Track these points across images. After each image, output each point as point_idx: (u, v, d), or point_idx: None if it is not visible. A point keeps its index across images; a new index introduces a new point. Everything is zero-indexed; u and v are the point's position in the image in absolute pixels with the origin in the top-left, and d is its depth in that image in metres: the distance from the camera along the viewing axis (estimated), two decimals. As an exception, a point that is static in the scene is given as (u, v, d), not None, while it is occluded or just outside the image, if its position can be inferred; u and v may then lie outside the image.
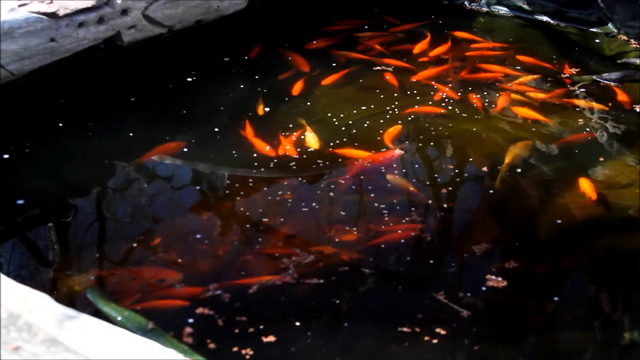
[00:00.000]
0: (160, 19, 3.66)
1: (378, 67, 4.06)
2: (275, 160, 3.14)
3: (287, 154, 3.18)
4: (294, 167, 3.11)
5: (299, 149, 3.22)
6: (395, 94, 3.77)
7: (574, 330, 2.45)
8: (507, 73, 4.07)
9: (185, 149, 3.22)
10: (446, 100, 3.73)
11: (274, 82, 3.84)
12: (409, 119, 3.54)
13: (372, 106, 3.65)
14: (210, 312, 2.30)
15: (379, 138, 3.35)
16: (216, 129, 3.38)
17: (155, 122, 3.45)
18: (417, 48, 4.28)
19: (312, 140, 3.27)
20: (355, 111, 3.59)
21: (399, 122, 3.49)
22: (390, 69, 4.04)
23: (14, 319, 1.58)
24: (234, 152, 3.22)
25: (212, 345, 2.17)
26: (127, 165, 3.15)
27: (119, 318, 2.21)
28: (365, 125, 3.48)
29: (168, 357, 1.55)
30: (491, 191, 3.07)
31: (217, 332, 2.24)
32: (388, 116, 3.56)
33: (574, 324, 2.47)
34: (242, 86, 3.83)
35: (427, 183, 3.15)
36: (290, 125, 3.42)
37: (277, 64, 4.04)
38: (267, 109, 3.54)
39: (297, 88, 3.73)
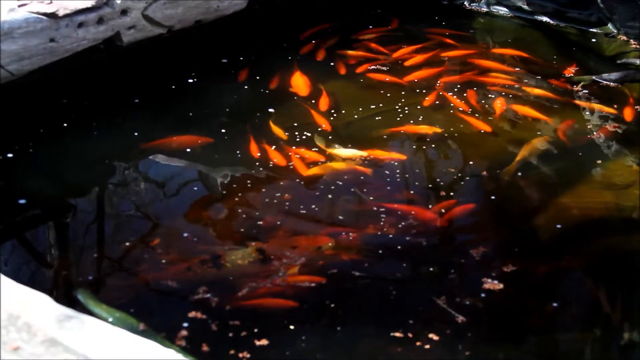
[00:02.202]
0: (160, 19, 3.66)
1: (374, 67, 4.07)
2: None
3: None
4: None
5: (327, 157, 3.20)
6: (392, 94, 3.77)
7: (573, 331, 2.45)
8: (506, 74, 4.07)
9: (204, 147, 3.23)
10: (444, 101, 3.73)
11: (275, 83, 3.83)
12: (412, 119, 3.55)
13: (380, 105, 3.67)
14: (202, 315, 2.29)
15: (385, 137, 3.38)
16: (223, 130, 3.36)
17: (160, 122, 3.43)
18: (410, 50, 4.28)
19: (346, 152, 3.22)
20: (361, 109, 3.61)
21: (411, 121, 3.51)
22: (385, 68, 4.05)
23: (13, 319, 1.58)
24: (240, 153, 3.22)
25: (205, 348, 2.16)
26: (138, 153, 3.19)
27: (110, 319, 2.19)
28: (371, 124, 3.49)
29: (168, 357, 1.55)
30: (493, 197, 3.07)
31: (210, 334, 2.22)
32: (393, 115, 3.58)
33: (574, 325, 2.47)
34: (245, 87, 3.82)
35: (429, 186, 3.15)
36: (296, 124, 3.42)
37: (277, 65, 4.04)
38: (271, 110, 3.54)
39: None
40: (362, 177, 3.07)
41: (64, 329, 1.57)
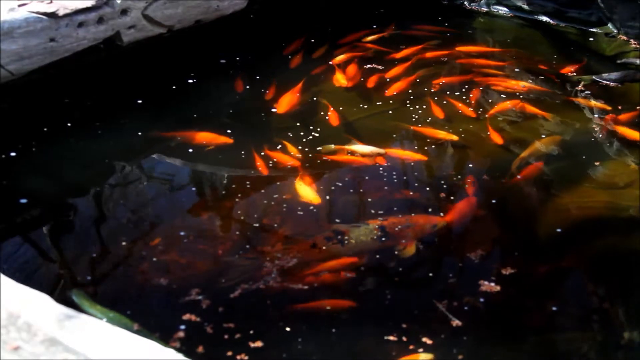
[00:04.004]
0: (160, 18, 3.66)
1: (369, 65, 4.09)
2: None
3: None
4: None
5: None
6: (392, 94, 3.78)
7: (572, 330, 2.45)
8: (506, 74, 4.07)
9: (215, 148, 3.22)
10: (442, 102, 3.74)
11: (275, 83, 3.82)
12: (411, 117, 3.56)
13: (380, 103, 3.70)
14: (197, 317, 2.28)
15: (394, 135, 3.43)
16: (229, 131, 3.35)
17: (163, 123, 3.41)
18: (409, 51, 4.29)
19: (364, 148, 3.25)
20: (362, 106, 3.63)
21: (419, 124, 3.50)
22: (380, 67, 4.06)
23: (13, 318, 1.58)
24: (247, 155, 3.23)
25: (200, 349, 2.15)
26: (156, 142, 3.22)
27: (104, 320, 2.19)
28: (369, 124, 3.52)
29: (167, 357, 1.55)
30: (493, 200, 3.07)
31: (205, 336, 2.22)
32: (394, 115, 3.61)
33: (574, 325, 2.47)
34: (247, 87, 3.81)
35: (428, 187, 3.16)
36: (298, 124, 3.42)
37: (277, 65, 4.05)
38: (274, 110, 3.54)
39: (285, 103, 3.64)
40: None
41: (64, 329, 1.57)
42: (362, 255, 2.61)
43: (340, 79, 3.87)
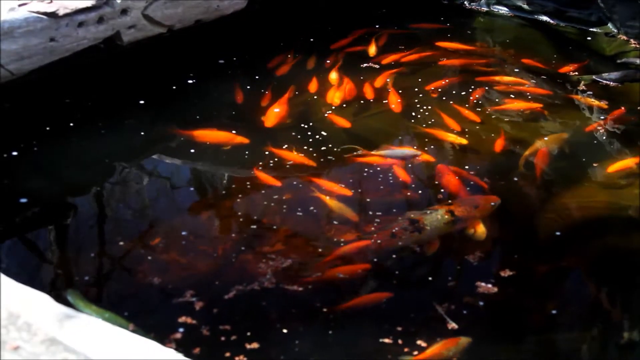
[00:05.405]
0: (160, 18, 3.66)
1: (366, 64, 4.08)
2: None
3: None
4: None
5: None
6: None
7: (572, 330, 2.45)
8: (506, 75, 4.07)
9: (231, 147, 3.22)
10: (445, 102, 3.74)
11: (275, 83, 3.82)
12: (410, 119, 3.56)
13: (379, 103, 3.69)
14: (193, 319, 2.27)
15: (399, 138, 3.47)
16: (234, 131, 3.32)
17: (165, 123, 3.39)
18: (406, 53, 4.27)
19: (399, 152, 3.26)
20: (362, 104, 3.64)
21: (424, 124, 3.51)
22: (377, 65, 4.06)
23: (14, 318, 1.58)
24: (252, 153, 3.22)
25: (196, 350, 2.15)
26: (170, 138, 3.23)
27: (100, 320, 2.18)
28: (374, 123, 3.54)
29: (167, 357, 1.55)
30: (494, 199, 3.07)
31: (201, 337, 2.21)
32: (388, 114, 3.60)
33: (573, 324, 2.47)
34: (248, 87, 3.81)
35: (427, 185, 3.16)
36: (304, 125, 3.42)
37: (276, 65, 4.04)
38: (276, 110, 3.53)
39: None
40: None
41: (64, 329, 1.57)
42: (437, 240, 2.70)
43: (335, 98, 3.66)
